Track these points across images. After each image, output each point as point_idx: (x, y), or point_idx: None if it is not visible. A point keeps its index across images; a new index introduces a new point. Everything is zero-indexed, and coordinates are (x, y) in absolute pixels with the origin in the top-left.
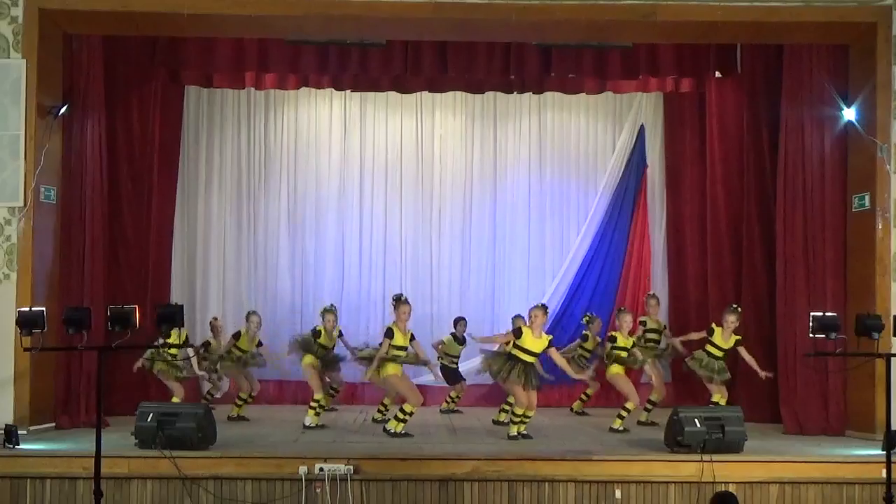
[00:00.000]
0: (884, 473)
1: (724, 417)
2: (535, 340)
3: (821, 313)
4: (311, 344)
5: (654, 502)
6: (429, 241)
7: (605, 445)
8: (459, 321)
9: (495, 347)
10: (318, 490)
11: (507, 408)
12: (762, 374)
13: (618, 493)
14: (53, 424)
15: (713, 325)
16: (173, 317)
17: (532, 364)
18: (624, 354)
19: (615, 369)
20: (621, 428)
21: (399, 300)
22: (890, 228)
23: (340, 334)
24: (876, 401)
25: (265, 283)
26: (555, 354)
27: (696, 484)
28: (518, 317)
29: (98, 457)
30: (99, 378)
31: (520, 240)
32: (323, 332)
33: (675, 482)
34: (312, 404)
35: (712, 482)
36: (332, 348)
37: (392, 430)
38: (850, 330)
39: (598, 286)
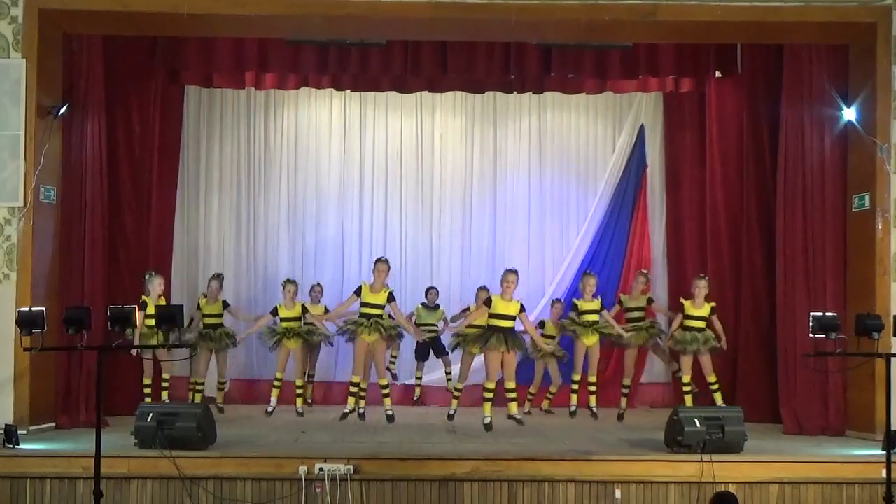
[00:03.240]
0: (884, 473)
1: (724, 417)
2: (505, 304)
3: (821, 313)
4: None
5: (654, 502)
6: (429, 242)
7: (605, 445)
8: (430, 290)
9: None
10: (318, 490)
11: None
12: (723, 343)
13: (618, 493)
14: (53, 424)
15: (681, 300)
16: (173, 317)
17: (510, 329)
18: (591, 318)
19: (589, 339)
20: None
21: (378, 260)
22: (890, 228)
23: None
24: (876, 401)
25: (265, 283)
26: (525, 319)
27: (696, 484)
28: (483, 288)
29: (98, 457)
30: (99, 378)
31: (520, 240)
32: (280, 306)
33: (675, 482)
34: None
35: (712, 482)
36: (299, 320)
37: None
38: (850, 330)
39: (597, 286)
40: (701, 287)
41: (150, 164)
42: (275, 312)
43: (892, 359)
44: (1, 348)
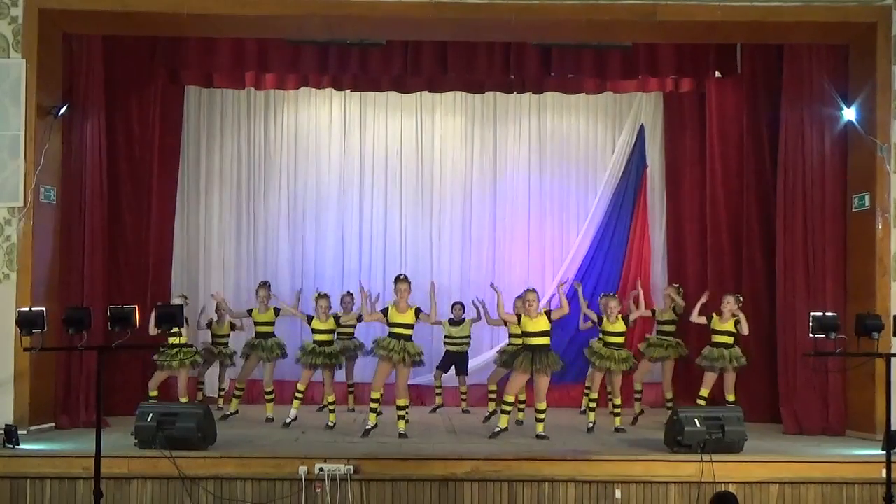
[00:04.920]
0: (884, 473)
1: (724, 417)
2: (534, 321)
3: (821, 313)
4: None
5: (654, 502)
6: (429, 242)
7: (605, 445)
8: (455, 305)
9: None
10: (318, 490)
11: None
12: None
13: (618, 493)
14: (53, 424)
15: (713, 314)
16: (173, 317)
17: (541, 347)
18: (617, 340)
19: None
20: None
21: (397, 279)
22: (890, 228)
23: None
24: (876, 401)
25: None
26: (557, 315)
27: (696, 484)
28: (519, 297)
29: (98, 457)
30: (99, 378)
31: (520, 240)
32: (315, 319)
33: (675, 482)
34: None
35: (712, 482)
36: (333, 332)
37: (370, 424)
38: (850, 330)
39: (598, 286)
40: (730, 303)
41: (150, 164)
42: (310, 322)
43: (892, 359)
44: (1, 348)
